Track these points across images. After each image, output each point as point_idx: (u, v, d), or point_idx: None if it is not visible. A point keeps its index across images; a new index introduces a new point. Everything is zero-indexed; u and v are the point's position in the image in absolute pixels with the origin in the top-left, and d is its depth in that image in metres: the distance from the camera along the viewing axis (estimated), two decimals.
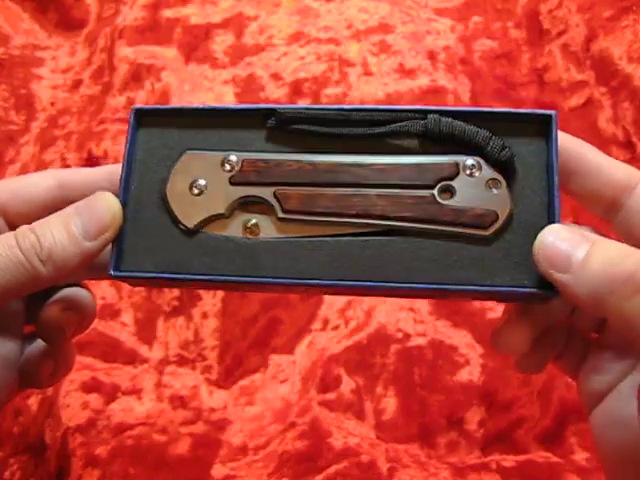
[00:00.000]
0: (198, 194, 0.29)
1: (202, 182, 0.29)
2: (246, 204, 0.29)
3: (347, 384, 0.51)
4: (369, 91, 0.61)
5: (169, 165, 0.29)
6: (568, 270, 0.24)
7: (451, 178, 0.28)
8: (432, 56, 0.64)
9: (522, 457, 0.48)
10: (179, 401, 0.51)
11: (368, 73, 0.63)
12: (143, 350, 0.53)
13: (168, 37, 0.66)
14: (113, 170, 0.31)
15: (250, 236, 0.29)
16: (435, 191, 0.28)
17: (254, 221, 0.29)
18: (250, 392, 0.51)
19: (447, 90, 0.61)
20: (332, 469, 0.46)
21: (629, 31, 0.61)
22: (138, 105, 0.30)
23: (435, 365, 0.51)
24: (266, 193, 0.29)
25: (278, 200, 0.28)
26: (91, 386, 0.51)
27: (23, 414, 0.51)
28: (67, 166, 0.60)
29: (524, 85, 0.64)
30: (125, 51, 0.64)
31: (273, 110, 0.29)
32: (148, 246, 0.28)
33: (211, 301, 0.54)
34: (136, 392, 0.51)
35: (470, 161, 0.28)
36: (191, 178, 0.29)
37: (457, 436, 0.49)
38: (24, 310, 0.31)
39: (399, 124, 0.28)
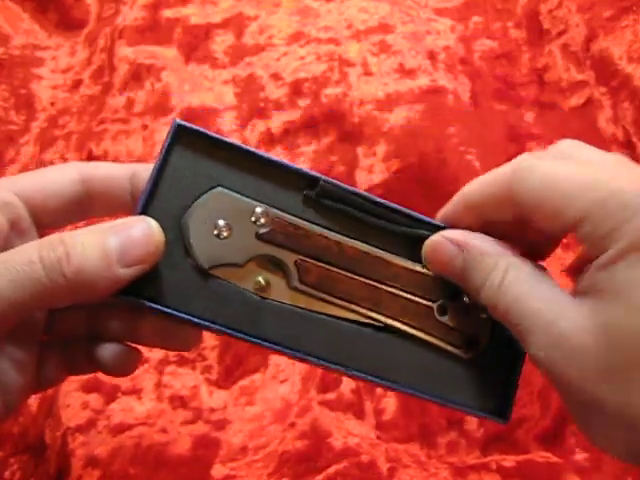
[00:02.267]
0: (219, 236, 0.28)
1: (227, 225, 0.28)
2: (264, 261, 0.29)
3: (347, 384, 0.51)
4: (369, 91, 0.61)
5: (196, 195, 0.28)
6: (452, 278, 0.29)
7: (451, 298, 0.30)
8: (432, 56, 0.64)
9: (522, 457, 0.48)
10: (179, 401, 0.51)
11: (368, 73, 0.63)
12: (143, 350, 0.53)
13: (168, 37, 0.66)
14: (137, 171, 0.29)
15: (260, 294, 0.28)
16: (435, 305, 0.30)
17: (268, 281, 0.29)
18: (250, 392, 0.51)
19: (447, 90, 0.61)
20: (332, 469, 0.46)
21: (629, 31, 0.61)
22: (181, 121, 0.28)
23: None
24: (288, 258, 0.29)
25: (298, 269, 0.29)
26: (91, 386, 0.51)
27: (23, 414, 0.51)
28: None
29: (524, 85, 0.64)
30: (125, 51, 0.64)
31: (316, 179, 0.29)
32: (154, 272, 0.27)
33: None
34: (136, 392, 0.51)
35: None
36: (216, 217, 0.28)
37: (457, 436, 0.49)
38: (45, 320, 0.30)
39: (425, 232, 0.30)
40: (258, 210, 0.28)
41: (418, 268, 0.30)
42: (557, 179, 0.25)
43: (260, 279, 0.28)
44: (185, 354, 0.53)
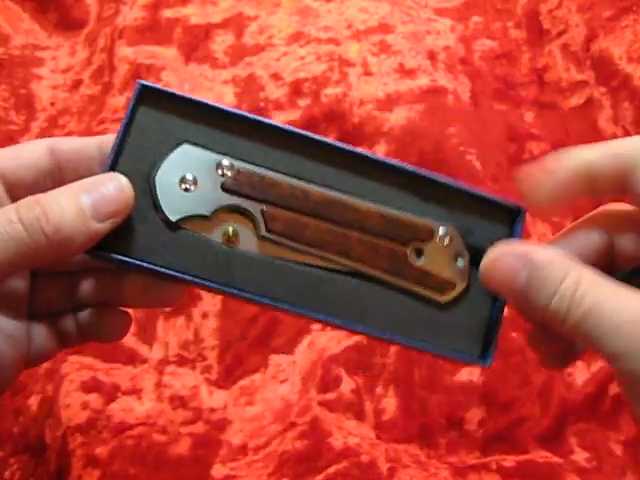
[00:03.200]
0: (187, 190, 0.28)
1: (193, 179, 0.28)
2: (231, 212, 0.29)
3: (347, 384, 0.51)
4: (369, 91, 0.61)
5: (162, 152, 0.29)
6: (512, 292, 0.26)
7: (424, 241, 0.30)
8: (432, 56, 0.64)
9: (522, 457, 0.48)
10: (179, 401, 0.51)
11: (368, 73, 0.63)
12: (143, 350, 0.53)
13: (168, 37, 0.66)
14: (104, 140, 0.30)
15: (229, 245, 0.29)
16: (408, 249, 0.30)
17: (236, 231, 0.29)
18: (250, 392, 0.51)
19: (447, 90, 0.61)
20: (332, 469, 0.46)
21: (629, 31, 0.61)
22: (144, 81, 0.29)
23: (435, 365, 0.51)
24: (254, 208, 0.29)
25: (264, 218, 0.29)
26: (91, 386, 0.51)
27: (23, 414, 0.51)
28: None
29: (524, 85, 0.64)
30: (125, 51, 0.64)
31: (277, 128, 0.29)
32: (125, 228, 0.28)
33: (211, 301, 0.54)
34: (136, 392, 0.51)
35: (443, 230, 0.30)
36: (183, 172, 0.28)
37: (457, 436, 0.49)
38: (28, 289, 0.31)
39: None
40: (224, 162, 0.29)
41: (385, 210, 0.30)
42: None
43: (228, 229, 0.29)
44: (185, 354, 0.53)
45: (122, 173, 0.27)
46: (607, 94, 0.61)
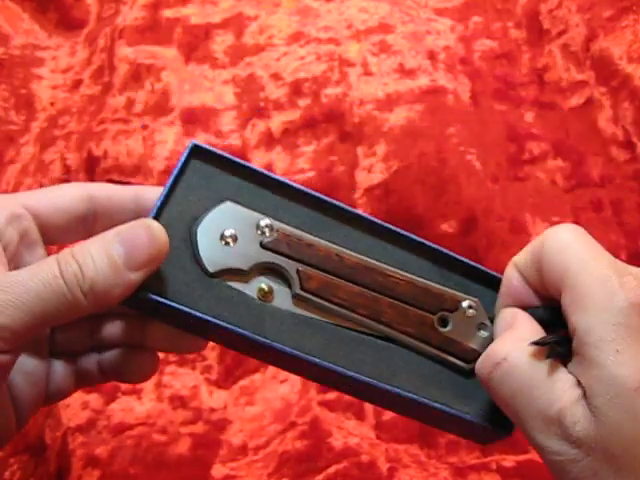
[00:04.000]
0: (226, 244, 0.29)
1: (233, 234, 0.30)
2: (268, 269, 0.30)
3: None
4: (369, 91, 0.61)
5: (206, 206, 0.30)
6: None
7: (450, 311, 0.31)
8: (432, 56, 0.64)
9: (522, 457, 0.48)
10: (179, 401, 0.51)
11: (368, 73, 0.63)
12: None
13: (168, 37, 0.66)
14: (142, 191, 0.30)
15: (263, 299, 0.30)
16: (435, 317, 0.31)
17: (271, 287, 0.30)
18: (250, 392, 0.51)
19: (447, 90, 0.61)
20: (332, 469, 0.46)
21: (629, 31, 0.61)
22: (197, 142, 0.31)
23: None
24: (290, 266, 0.30)
25: (299, 277, 0.30)
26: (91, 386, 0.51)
27: None
28: (67, 166, 0.60)
29: (524, 85, 0.64)
30: (125, 51, 0.64)
31: (317, 199, 0.31)
32: (162, 276, 0.28)
33: None
34: (136, 392, 0.51)
35: (467, 303, 0.32)
36: (224, 227, 0.30)
37: (457, 436, 0.49)
38: (49, 329, 0.30)
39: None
40: (264, 222, 0.30)
41: (415, 280, 0.31)
42: None
43: (263, 285, 0.30)
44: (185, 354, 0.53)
45: (165, 222, 0.28)
46: (607, 94, 0.61)
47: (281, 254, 0.30)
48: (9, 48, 0.66)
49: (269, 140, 0.60)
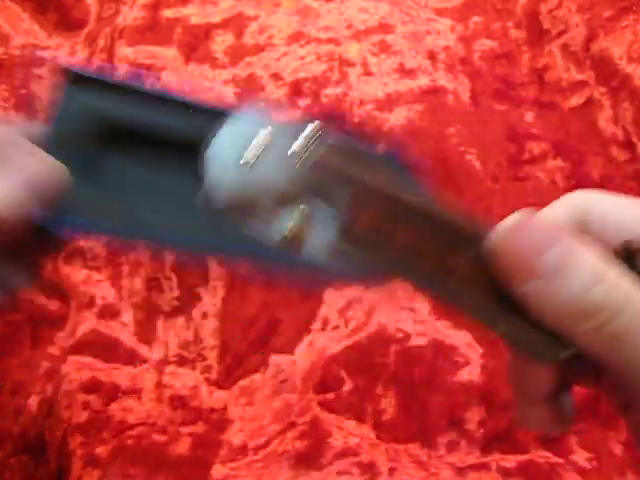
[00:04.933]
0: (247, 165, 0.23)
1: (257, 153, 0.23)
2: (304, 195, 0.23)
3: (347, 384, 0.51)
4: (369, 91, 0.61)
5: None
6: (535, 276, 0.18)
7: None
8: (432, 56, 0.64)
9: (522, 457, 0.48)
10: (179, 401, 0.51)
11: (368, 73, 0.63)
12: (143, 350, 0.53)
13: (168, 37, 0.66)
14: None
15: (290, 240, 0.23)
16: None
17: (301, 227, 0.23)
18: (250, 392, 0.51)
19: (447, 90, 0.61)
20: (332, 469, 0.46)
21: (629, 31, 0.61)
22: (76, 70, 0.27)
23: (435, 365, 0.51)
24: (338, 195, 0.22)
25: (350, 209, 0.22)
26: (91, 386, 0.51)
27: (23, 414, 0.51)
28: None
29: (524, 85, 0.64)
30: (125, 51, 0.64)
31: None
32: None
33: (211, 301, 0.54)
34: (136, 392, 0.51)
35: None
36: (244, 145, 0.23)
37: (457, 436, 0.49)
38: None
39: None
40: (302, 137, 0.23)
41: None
42: None
43: (292, 224, 0.23)
44: (185, 354, 0.53)
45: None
46: (607, 94, 0.61)
47: (322, 179, 0.23)
48: (9, 48, 0.66)
49: None
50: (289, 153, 0.23)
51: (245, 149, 0.22)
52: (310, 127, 0.23)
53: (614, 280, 0.18)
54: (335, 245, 0.22)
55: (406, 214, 0.22)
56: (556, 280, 0.18)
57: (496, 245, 0.20)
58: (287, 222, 0.22)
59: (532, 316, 0.19)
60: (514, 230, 0.19)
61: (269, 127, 0.23)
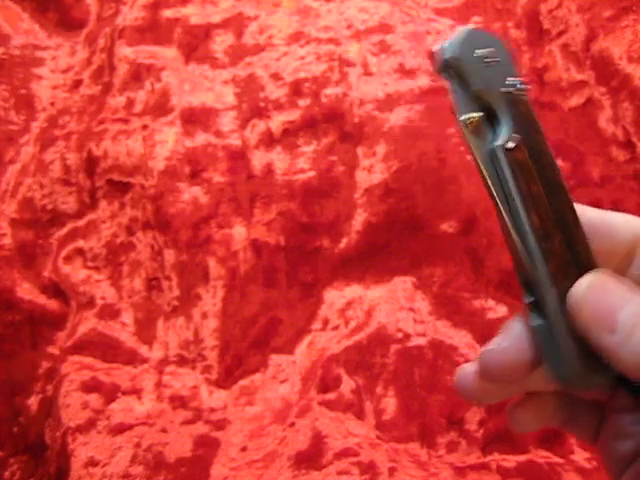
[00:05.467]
0: (483, 62, 0.28)
1: (491, 57, 0.28)
2: (488, 109, 0.28)
3: (347, 384, 0.51)
4: (369, 91, 0.61)
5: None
6: (614, 330, 0.21)
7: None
8: (432, 56, 0.64)
9: (522, 457, 0.48)
10: (179, 401, 0.51)
11: (368, 73, 0.63)
12: (143, 350, 0.53)
13: (168, 37, 0.66)
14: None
15: (468, 124, 0.28)
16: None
17: (481, 121, 0.28)
18: (250, 392, 0.51)
19: (447, 90, 0.61)
20: (332, 469, 0.46)
21: (629, 31, 0.61)
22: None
23: (435, 365, 0.51)
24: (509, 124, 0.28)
25: (516, 143, 0.27)
26: (91, 386, 0.51)
27: (23, 414, 0.51)
28: (67, 166, 0.60)
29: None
30: (125, 51, 0.64)
31: None
32: None
33: (211, 301, 0.54)
34: (136, 392, 0.51)
35: None
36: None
37: (457, 436, 0.49)
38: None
39: None
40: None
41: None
42: None
43: (475, 115, 0.28)
44: (185, 354, 0.53)
45: None
46: (607, 94, 0.61)
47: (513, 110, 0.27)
48: (9, 48, 0.66)
49: (269, 140, 0.60)
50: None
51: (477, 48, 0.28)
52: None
53: None
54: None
55: (544, 169, 0.27)
56: (632, 335, 0.21)
57: (577, 300, 0.22)
58: (472, 113, 0.28)
59: (612, 365, 0.22)
60: (594, 288, 0.22)
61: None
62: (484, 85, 0.27)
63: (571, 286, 0.23)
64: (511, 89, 0.27)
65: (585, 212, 0.25)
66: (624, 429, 0.25)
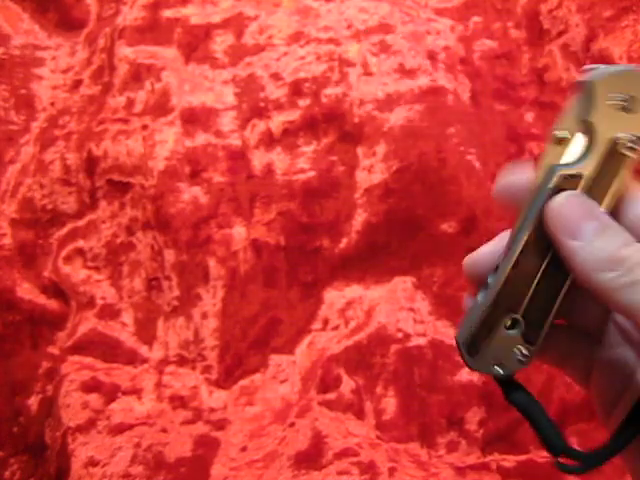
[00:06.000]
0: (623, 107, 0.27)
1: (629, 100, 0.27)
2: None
3: (347, 384, 0.51)
4: (369, 91, 0.61)
5: None
6: (576, 237, 0.24)
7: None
8: (432, 56, 0.64)
9: (522, 457, 0.48)
10: (179, 401, 0.51)
11: (368, 73, 0.63)
12: (143, 350, 0.53)
13: (168, 37, 0.66)
14: None
15: (558, 140, 0.27)
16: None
17: (568, 139, 0.28)
18: (250, 392, 0.51)
19: (447, 90, 0.61)
20: (332, 469, 0.46)
21: (629, 31, 0.61)
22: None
23: (435, 365, 0.51)
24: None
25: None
26: (91, 386, 0.51)
27: (23, 414, 0.51)
28: (67, 166, 0.60)
29: (524, 85, 0.64)
30: (125, 51, 0.64)
31: None
32: None
33: (211, 301, 0.54)
34: (136, 392, 0.51)
35: None
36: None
37: (457, 436, 0.49)
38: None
39: None
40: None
41: None
42: None
43: (567, 134, 0.27)
44: (185, 354, 0.53)
45: None
46: None
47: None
48: (9, 48, 0.66)
49: (269, 140, 0.60)
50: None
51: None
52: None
53: (638, 245, 0.24)
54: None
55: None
56: (596, 240, 0.24)
57: (552, 209, 0.26)
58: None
59: (572, 265, 0.25)
60: (568, 200, 0.26)
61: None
62: (602, 122, 0.27)
63: (510, 310, 0.27)
64: (624, 141, 0.27)
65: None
66: (611, 365, 0.28)
